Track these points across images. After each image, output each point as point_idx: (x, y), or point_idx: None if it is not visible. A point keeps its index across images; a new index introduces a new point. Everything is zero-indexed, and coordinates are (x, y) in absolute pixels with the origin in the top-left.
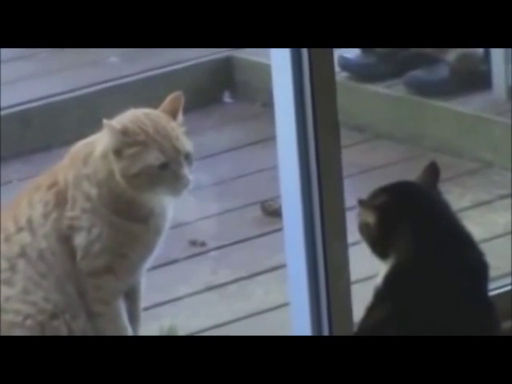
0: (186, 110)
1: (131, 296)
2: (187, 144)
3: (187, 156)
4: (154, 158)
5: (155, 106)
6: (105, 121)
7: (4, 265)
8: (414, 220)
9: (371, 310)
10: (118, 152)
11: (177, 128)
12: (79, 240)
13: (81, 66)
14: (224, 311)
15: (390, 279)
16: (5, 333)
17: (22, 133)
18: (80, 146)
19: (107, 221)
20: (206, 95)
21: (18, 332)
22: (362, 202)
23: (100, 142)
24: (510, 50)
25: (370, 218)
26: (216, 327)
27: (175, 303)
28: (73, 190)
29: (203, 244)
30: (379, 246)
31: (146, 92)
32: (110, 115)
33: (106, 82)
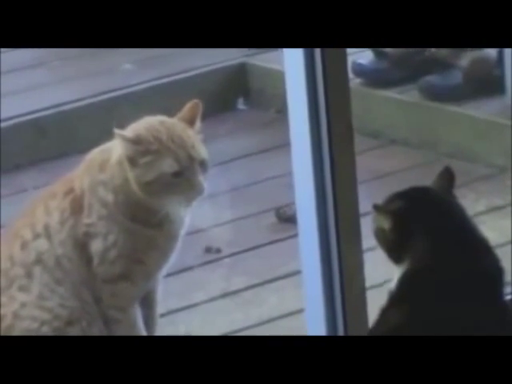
0: (201, 117)
1: (147, 302)
2: (203, 151)
3: (202, 163)
4: (167, 166)
5: (169, 112)
6: (116, 130)
7: (20, 271)
8: (429, 225)
9: (385, 313)
10: (132, 160)
11: (193, 136)
12: (95, 246)
13: (95, 73)
14: (239, 318)
15: (405, 283)
16: None
17: (37, 141)
18: (96, 152)
19: (123, 227)
20: (220, 102)
21: None
22: (377, 207)
23: (116, 148)
24: None
25: (386, 223)
26: (231, 333)
27: (190, 310)
28: (89, 197)
29: (218, 251)
30: (394, 250)
31: (159, 99)
32: (124, 122)
33: (120, 89)
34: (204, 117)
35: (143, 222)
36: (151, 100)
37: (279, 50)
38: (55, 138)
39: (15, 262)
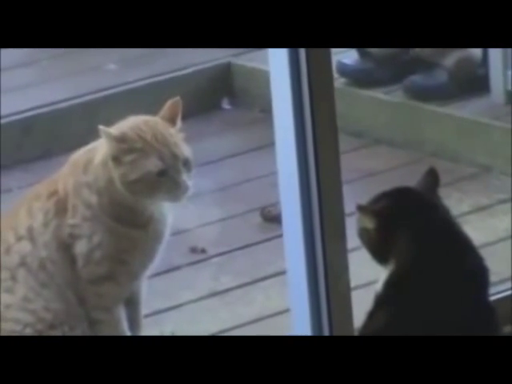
0: (186, 117)
1: (132, 303)
2: (186, 150)
3: (186, 162)
4: (152, 164)
5: (154, 112)
6: (101, 127)
7: (5, 275)
8: (413, 225)
9: (372, 315)
10: (116, 158)
11: (175, 134)
12: (80, 248)
13: (79, 73)
14: (226, 317)
15: (390, 285)
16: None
17: (22, 140)
18: (80, 153)
19: (108, 228)
20: (205, 102)
21: None
22: (360, 208)
23: (100, 149)
24: (508, 54)
25: (369, 224)
26: (218, 333)
27: (177, 310)
28: (73, 198)
29: (203, 251)
30: (379, 251)
31: (144, 99)
32: (110, 122)
33: (105, 89)
34: (189, 116)
35: (128, 223)
36: (136, 100)
37: (264, 49)
38: (40, 138)
39: (0, 266)
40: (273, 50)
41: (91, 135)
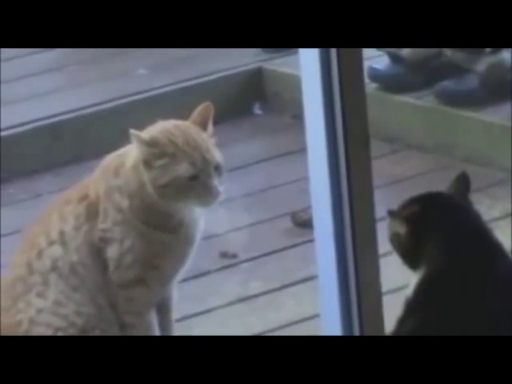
0: (217, 122)
1: (164, 308)
2: (217, 155)
3: (217, 167)
4: (183, 169)
5: (185, 118)
6: (132, 131)
7: (38, 279)
8: (444, 230)
9: (402, 321)
10: (147, 163)
11: (207, 139)
12: (111, 252)
13: (109, 78)
14: (255, 323)
15: (421, 290)
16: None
17: (52, 145)
18: (111, 158)
19: (139, 232)
20: (236, 107)
21: None
22: (392, 213)
23: (131, 153)
24: None
25: (401, 229)
26: None
27: (206, 315)
28: (104, 202)
29: (234, 256)
30: (410, 256)
31: (175, 104)
32: (140, 127)
33: (135, 94)
34: (220, 121)
35: (159, 227)
36: (166, 105)
37: (295, 54)
38: (70, 143)
39: (33, 270)
40: (304, 55)
41: (120, 140)
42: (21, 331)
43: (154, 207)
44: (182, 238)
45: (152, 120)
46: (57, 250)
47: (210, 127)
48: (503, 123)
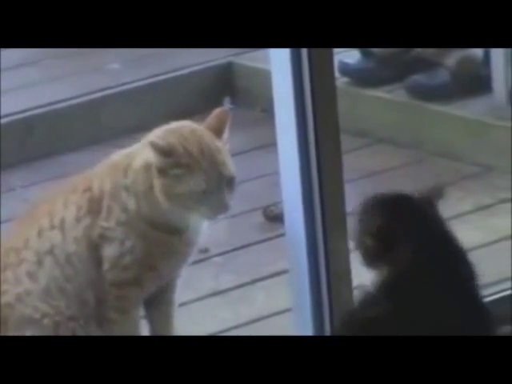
0: (187, 116)
1: (165, 302)
2: (232, 168)
3: (230, 181)
4: (197, 184)
5: (156, 111)
6: (151, 139)
7: (32, 256)
8: (411, 236)
9: (360, 311)
10: (161, 170)
11: (223, 149)
12: (109, 251)
13: (82, 72)
14: (227, 317)
15: (382, 289)
16: (19, 326)
17: (25, 140)
18: (120, 155)
19: (141, 233)
20: (206, 101)
21: (32, 328)
22: (360, 228)
23: (140, 153)
24: (510, 53)
25: (368, 241)
26: (219, 333)
27: (179, 309)
28: (109, 200)
29: (206, 250)
30: (373, 259)
31: (147, 98)
32: (112, 121)
33: (108, 88)
34: (191, 115)
35: (163, 229)
36: (138, 99)
37: (266, 49)
38: (43, 137)
39: (29, 246)
40: (274, 50)
41: (94, 134)
42: (3, 302)
43: (160, 210)
44: (184, 240)
45: (124, 114)
46: (57, 235)
47: (226, 134)
48: (474, 117)
